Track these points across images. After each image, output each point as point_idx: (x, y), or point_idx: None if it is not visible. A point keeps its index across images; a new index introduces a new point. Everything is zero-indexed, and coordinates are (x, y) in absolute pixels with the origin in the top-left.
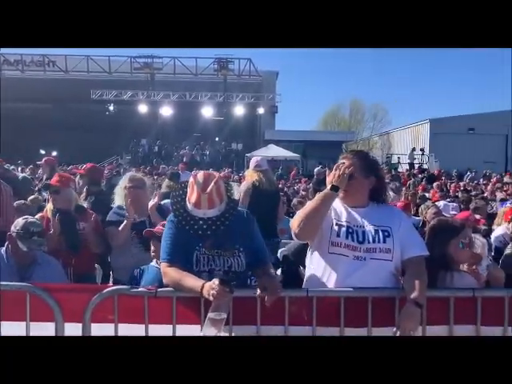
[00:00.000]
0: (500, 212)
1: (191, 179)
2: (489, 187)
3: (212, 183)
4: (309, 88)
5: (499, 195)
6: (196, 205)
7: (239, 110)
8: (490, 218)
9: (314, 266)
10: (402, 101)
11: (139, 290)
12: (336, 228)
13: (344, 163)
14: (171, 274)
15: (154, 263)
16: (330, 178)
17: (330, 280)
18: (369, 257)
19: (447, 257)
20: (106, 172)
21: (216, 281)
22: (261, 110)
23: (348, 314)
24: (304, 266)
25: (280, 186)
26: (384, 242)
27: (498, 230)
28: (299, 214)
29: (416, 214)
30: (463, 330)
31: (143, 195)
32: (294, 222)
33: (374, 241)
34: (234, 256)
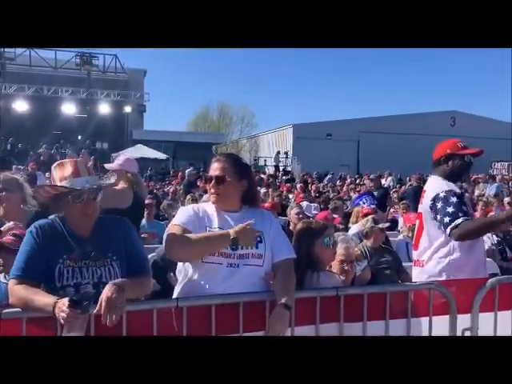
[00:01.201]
0: (354, 211)
1: (54, 166)
2: (344, 188)
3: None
4: (179, 89)
5: (354, 195)
6: (75, 173)
7: (104, 108)
8: (346, 216)
9: (188, 275)
10: (268, 105)
11: None
12: None
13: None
14: (19, 292)
15: (1, 278)
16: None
17: (203, 289)
18: (242, 263)
19: (313, 257)
20: None
21: (66, 302)
22: (128, 109)
23: (219, 321)
24: (173, 271)
25: (149, 187)
26: (256, 247)
27: (353, 228)
28: (185, 239)
29: (282, 214)
30: (329, 329)
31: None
32: (174, 243)
33: (246, 247)
34: (105, 266)
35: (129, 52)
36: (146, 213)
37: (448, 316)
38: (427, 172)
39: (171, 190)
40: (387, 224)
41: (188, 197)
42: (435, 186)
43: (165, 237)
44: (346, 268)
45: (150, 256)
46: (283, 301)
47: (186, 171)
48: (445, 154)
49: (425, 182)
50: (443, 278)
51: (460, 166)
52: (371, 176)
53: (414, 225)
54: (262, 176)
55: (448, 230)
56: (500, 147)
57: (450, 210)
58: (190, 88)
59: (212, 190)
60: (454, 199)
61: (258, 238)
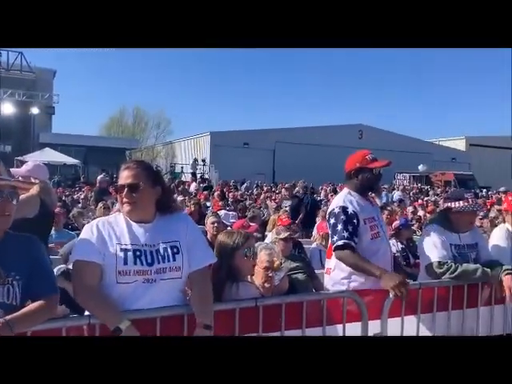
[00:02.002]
0: (271, 219)
1: None
2: (261, 196)
3: None
4: (92, 91)
5: (270, 203)
6: None
7: (8, 108)
8: (263, 225)
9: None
10: (186, 112)
11: None
12: (121, 254)
13: None
14: None
15: None
16: None
17: (120, 307)
18: (159, 278)
19: (233, 269)
20: None
21: None
22: (35, 110)
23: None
24: None
25: (58, 194)
26: (174, 259)
27: (270, 237)
28: (88, 294)
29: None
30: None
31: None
32: (79, 294)
33: (164, 260)
34: (4, 285)
35: (37, 51)
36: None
37: (360, 323)
38: (338, 182)
39: (82, 197)
40: (287, 233)
41: (100, 205)
42: (335, 200)
43: (72, 274)
44: (271, 275)
45: (58, 267)
46: (203, 321)
47: (98, 177)
48: (354, 167)
49: (335, 191)
50: (345, 286)
51: (369, 179)
52: (286, 185)
53: (327, 233)
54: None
55: (332, 248)
56: (402, 160)
57: (338, 227)
58: (103, 91)
59: (125, 200)
60: (344, 217)
61: (175, 249)
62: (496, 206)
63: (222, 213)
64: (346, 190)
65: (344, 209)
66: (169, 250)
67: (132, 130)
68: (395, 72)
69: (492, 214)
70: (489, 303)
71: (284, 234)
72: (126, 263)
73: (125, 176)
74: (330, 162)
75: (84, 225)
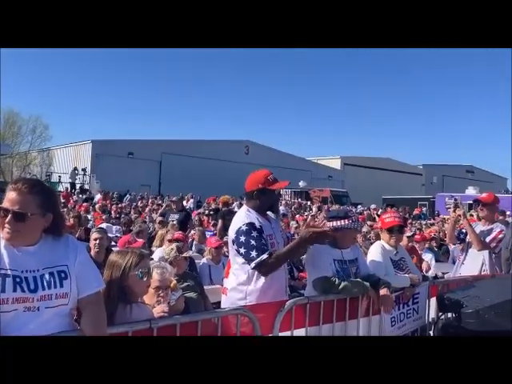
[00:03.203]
0: (158, 234)
1: None
2: (146, 209)
3: None
4: None
5: (155, 216)
6: None
7: None
8: (150, 239)
9: None
10: (66, 118)
11: None
12: None
13: None
14: None
15: None
16: None
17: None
18: (43, 306)
19: (125, 290)
20: None
21: None
22: None
23: None
24: None
25: None
26: (61, 286)
27: (158, 252)
28: None
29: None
30: None
31: None
32: None
33: (49, 286)
34: None
35: None
36: None
37: None
38: (221, 194)
39: None
40: (191, 252)
41: None
42: (238, 218)
43: None
44: (162, 294)
45: None
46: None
47: None
48: (257, 188)
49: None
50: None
51: (271, 199)
52: (173, 198)
53: (216, 248)
54: None
55: (253, 265)
56: (284, 176)
57: (253, 243)
58: None
59: (7, 226)
60: (255, 233)
61: (63, 274)
62: (369, 222)
63: (103, 225)
64: (245, 208)
65: (252, 225)
66: (56, 275)
67: (2, 134)
68: (286, 98)
69: (364, 229)
70: (367, 314)
71: (189, 253)
72: (3, 290)
73: (11, 199)
74: (217, 176)
75: None
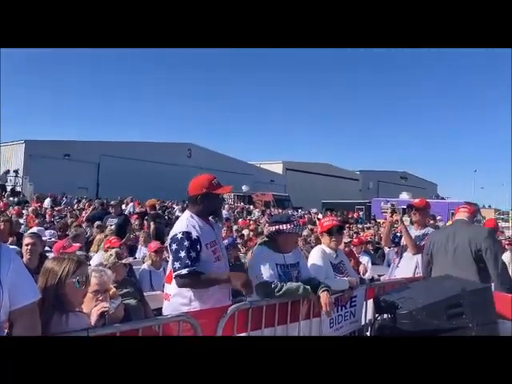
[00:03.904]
0: (96, 239)
1: None
2: (83, 213)
3: None
4: None
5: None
6: None
7: None
8: (87, 244)
9: None
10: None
11: None
12: None
13: None
14: None
15: None
16: None
17: None
18: None
19: (62, 298)
20: None
21: None
22: None
23: None
24: None
25: None
26: None
27: (95, 258)
28: None
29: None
30: None
31: None
32: None
33: None
34: None
35: None
36: None
37: None
38: (165, 198)
39: None
40: (131, 258)
41: None
42: (178, 225)
43: None
44: (101, 298)
45: None
46: None
47: None
48: (201, 192)
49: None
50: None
51: (214, 204)
52: (112, 202)
53: (157, 252)
54: None
55: (173, 275)
56: (227, 179)
57: (181, 254)
58: None
59: None
60: (187, 243)
61: None
62: (309, 226)
63: (35, 229)
64: (187, 213)
65: (188, 234)
66: None
67: None
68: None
69: (305, 233)
70: (307, 317)
71: (128, 259)
72: None
73: None
74: (158, 178)
75: None
